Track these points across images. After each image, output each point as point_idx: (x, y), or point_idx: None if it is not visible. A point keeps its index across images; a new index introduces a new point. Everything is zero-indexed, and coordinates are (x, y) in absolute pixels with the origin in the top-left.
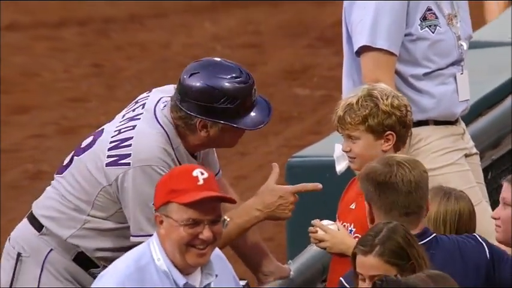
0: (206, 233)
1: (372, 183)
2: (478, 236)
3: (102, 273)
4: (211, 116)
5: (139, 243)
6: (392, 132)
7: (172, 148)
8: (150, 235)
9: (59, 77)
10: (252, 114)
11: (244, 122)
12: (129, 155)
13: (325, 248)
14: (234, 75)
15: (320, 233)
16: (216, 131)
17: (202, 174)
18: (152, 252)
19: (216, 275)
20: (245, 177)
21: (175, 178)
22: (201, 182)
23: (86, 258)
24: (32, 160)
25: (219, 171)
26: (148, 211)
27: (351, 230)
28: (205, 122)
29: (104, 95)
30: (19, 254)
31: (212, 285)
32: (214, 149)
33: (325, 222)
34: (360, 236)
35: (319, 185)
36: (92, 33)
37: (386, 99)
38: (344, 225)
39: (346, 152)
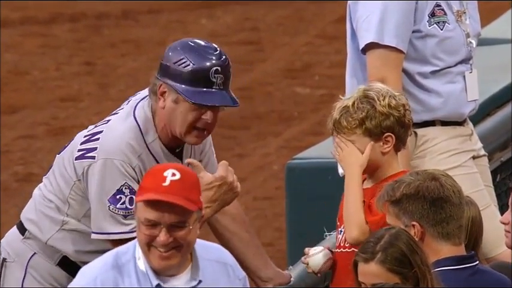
0: (162, 237)
1: (425, 201)
2: None
3: (82, 268)
4: (166, 76)
5: (102, 240)
6: (391, 134)
7: (145, 143)
8: (108, 233)
9: (49, 75)
10: (206, 92)
11: (193, 94)
12: (95, 149)
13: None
14: (208, 50)
15: (311, 252)
16: (171, 102)
17: (173, 175)
18: (136, 250)
19: (200, 281)
20: (243, 180)
21: (148, 175)
22: (166, 183)
23: (71, 263)
24: (22, 162)
25: None
26: (103, 208)
27: None
28: (163, 87)
29: (96, 94)
30: (4, 260)
31: None
32: (213, 150)
33: (312, 251)
34: None
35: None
36: (84, 29)
37: (383, 99)
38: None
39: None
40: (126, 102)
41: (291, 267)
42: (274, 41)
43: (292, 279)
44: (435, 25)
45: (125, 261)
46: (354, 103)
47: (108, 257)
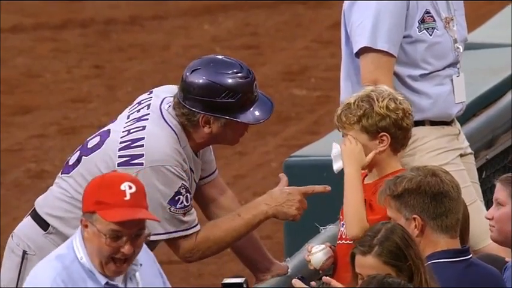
0: (127, 247)
1: (426, 195)
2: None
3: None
4: (213, 111)
5: (158, 241)
6: (386, 134)
7: (181, 147)
8: (169, 232)
9: (60, 78)
10: (254, 109)
11: (246, 116)
12: (141, 155)
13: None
14: (234, 70)
15: (313, 250)
16: (219, 127)
17: (130, 188)
18: (75, 252)
19: (141, 264)
20: (243, 177)
21: (103, 189)
22: (127, 197)
23: None
24: (35, 160)
25: (215, 170)
26: (163, 210)
27: None
28: (207, 117)
29: (104, 96)
30: (25, 252)
31: (138, 275)
32: (211, 148)
33: (314, 249)
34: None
35: (328, 187)
36: (93, 34)
37: (382, 101)
38: None
39: None
40: (145, 107)
41: (288, 258)
42: (273, 45)
43: (289, 270)
44: (425, 31)
45: (69, 262)
46: (355, 101)
47: (52, 261)
